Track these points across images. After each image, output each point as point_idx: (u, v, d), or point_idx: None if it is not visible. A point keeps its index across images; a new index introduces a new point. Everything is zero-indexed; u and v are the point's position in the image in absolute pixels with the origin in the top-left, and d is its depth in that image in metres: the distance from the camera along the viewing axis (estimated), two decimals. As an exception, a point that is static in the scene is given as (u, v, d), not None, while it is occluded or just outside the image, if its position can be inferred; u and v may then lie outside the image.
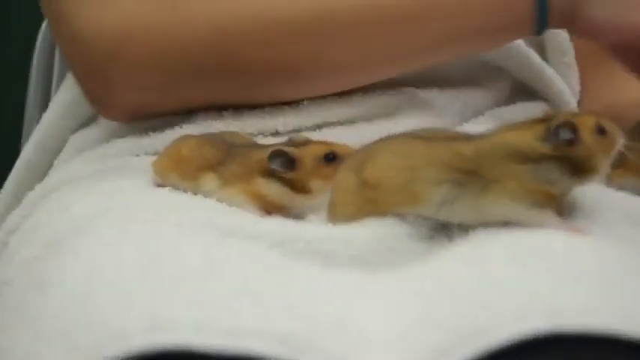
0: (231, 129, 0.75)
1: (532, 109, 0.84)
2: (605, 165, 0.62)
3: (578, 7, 0.73)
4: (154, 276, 0.52)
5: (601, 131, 0.62)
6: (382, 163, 0.63)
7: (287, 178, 0.66)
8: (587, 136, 0.61)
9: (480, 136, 0.63)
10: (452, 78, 0.83)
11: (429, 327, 0.50)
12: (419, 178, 0.62)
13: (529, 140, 0.61)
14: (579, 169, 0.61)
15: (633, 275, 0.53)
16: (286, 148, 0.65)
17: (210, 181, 0.68)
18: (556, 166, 0.61)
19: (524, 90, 0.88)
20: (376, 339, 0.50)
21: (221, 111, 0.78)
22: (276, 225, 0.61)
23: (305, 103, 0.78)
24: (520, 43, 0.85)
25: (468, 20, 0.75)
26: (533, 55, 0.86)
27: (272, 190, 0.66)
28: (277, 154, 0.65)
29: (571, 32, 0.78)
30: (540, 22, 0.74)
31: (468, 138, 0.63)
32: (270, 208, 0.66)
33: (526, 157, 0.60)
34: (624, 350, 0.48)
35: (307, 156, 0.66)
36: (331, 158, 0.66)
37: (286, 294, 0.52)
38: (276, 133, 0.77)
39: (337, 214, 0.64)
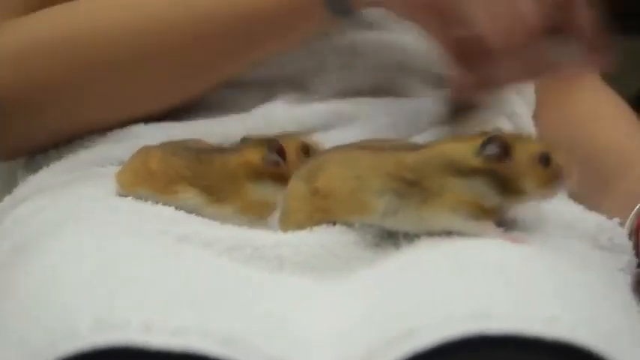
0: (188, 136, 0.77)
1: (490, 120, 0.87)
2: (536, 193, 0.63)
3: None
4: (106, 279, 0.56)
5: (545, 161, 0.63)
6: (332, 173, 0.66)
7: (277, 173, 0.68)
8: (521, 157, 0.63)
9: (424, 146, 0.65)
10: (408, 88, 0.84)
11: (365, 329, 0.53)
12: (365, 187, 0.64)
13: (464, 153, 0.63)
14: (507, 187, 0.63)
15: (561, 282, 0.56)
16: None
17: (193, 196, 0.69)
18: (485, 181, 0.63)
19: None
20: (314, 340, 0.54)
21: (179, 118, 0.81)
22: (227, 232, 0.65)
23: (261, 111, 0.80)
24: None
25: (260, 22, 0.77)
26: None
27: (266, 191, 0.69)
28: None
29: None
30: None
31: (413, 148, 0.66)
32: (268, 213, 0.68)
33: (459, 170, 0.63)
34: (546, 352, 0.51)
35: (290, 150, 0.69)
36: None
37: (230, 296, 0.56)
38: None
39: (289, 222, 0.67)
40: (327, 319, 0.55)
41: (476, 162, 0.63)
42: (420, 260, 0.59)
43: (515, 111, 0.88)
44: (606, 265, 0.68)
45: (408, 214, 0.63)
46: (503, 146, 0.63)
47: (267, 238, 0.64)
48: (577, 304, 0.54)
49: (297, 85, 0.82)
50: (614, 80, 0.94)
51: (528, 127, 0.88)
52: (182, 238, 0.63)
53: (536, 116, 0.93)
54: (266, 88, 0.82)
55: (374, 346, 0.52)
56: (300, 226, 0.66)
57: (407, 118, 0.82)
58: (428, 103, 0.84)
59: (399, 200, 0.63)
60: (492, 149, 0.62)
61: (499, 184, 0.63)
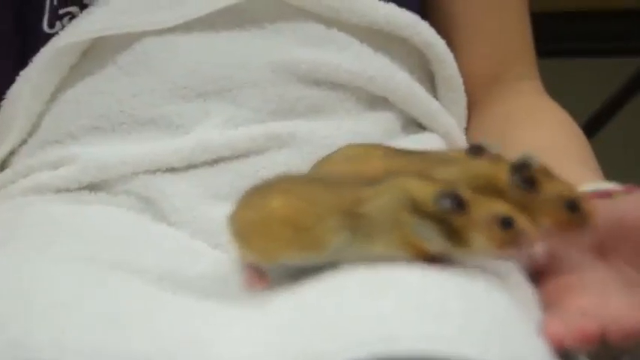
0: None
1: (425, 140, 0.88)
2: (486, 252, 0.62)
3: None
4: (23, 305, 0.57)
5: (505, 224, 0.62)
6: (287, 204, 0.65)
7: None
8: (479, 214, 0.62)
9: (385, 178, 0.65)
10: (340, 109, 0.85)
11: (277, 352, 0.55)
12: (321, 223, 0.64)
13: (424, 194, 0.63)
14: (458, 238, 0.62)
15: (473, 306, 0.57)
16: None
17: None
18: (437, 227, 0.62)
19: (417, 122, 0.90)
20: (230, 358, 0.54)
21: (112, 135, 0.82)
22: (156, 261, 0.66)
23: (199, 134, 0.80)
24: (405, 76, 0.87)
25: None
26: (419, 90, 0.88)
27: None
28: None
29: None
30: None
31: (370, 182, 0.65)
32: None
33: (416, 209, 0.63)
34: None
35: None
36: None
37: (148, 320, 0.57)
38: (172, 170, 0.80)
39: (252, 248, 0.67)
40: (242, 343, 0.56)
41: (432, 208, 0.62)
42: (338, 285, 0.60)
43: (449, 131, 0.89)
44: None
45: (356, 249, 0.63)
46: (457, 201, 0.62)
47: (193, 267, 0.66)
48: (488, 326, 0.56)
49: (231, 101, 0.83)
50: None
51: (460, 141, 0.89)
52: (110, 266, 0.64)
53: (469, 117, 0.95)
54: (199, 104, 0.82)
55: None
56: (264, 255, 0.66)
57: (344, 139, 0.82)
58: (363, 123, 0.85)
59: (352, 236, 0.63)
60: (445, 204, 0.62)
61: (450, 233, 0.62)
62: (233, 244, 0.68)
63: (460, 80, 0.92)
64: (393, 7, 0.88)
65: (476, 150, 0.69)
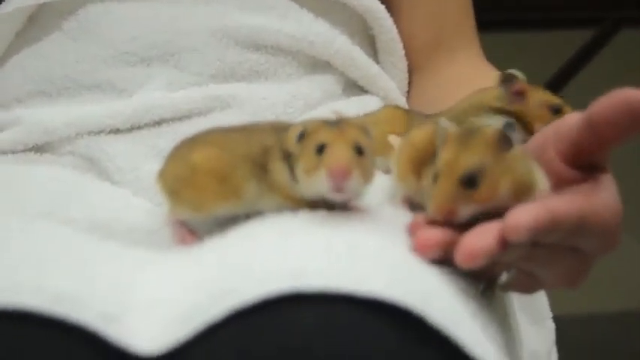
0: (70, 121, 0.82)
1: (366, 102, 0.90)
2: (303, 181, 0.62)
3: None
4: None
5: (319, 150, 0.61)
6: (209, 155, 0.68)
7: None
8: (306, 140, 0.62)
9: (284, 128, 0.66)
10: (281, 72, 0.87)
11: (194, 289, 0.58)
12: (236, 173, 0.66)
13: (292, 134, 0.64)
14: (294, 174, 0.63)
15: (378, 246, 0.60)
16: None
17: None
18: (288, 166, 0.64)
19: (358, 85, 0.93)
20: (146, 301, 0.58)
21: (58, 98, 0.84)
22: (89, 214, 0.71)
23: (141, 96, 0.83)
24: (345, 41, 0.89)
25: None
26: (359, 53, 0.90)
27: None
28: None
29: None
30: None
31: (279, 129, 0.67)
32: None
33: (286, 154, 0.64)
34: (361, 309, 0.56)
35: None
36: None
37: (68, 261, 0.60)
38: (116, 131, 0.82)
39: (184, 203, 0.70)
40: (162, 284, 0.59)
41: (292, 146, 0.63)
42: (254, 230, 0.63)
43: (388, 94, 0.92)
44: None
45: (267, 199, 0.66)
46: (301, 134, 0.63)
47: (128, 221, 0.70)
48: (392, 265, 0.58)
49: (173, 66, 0.85)
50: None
51: (399, 104, 0.91)
52: (43, 216, 0.68)
53: (410, 82, 0.97)
54: (142, 68, 0.85)
55: (197, 305, 0.56)
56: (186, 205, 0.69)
57: (283, 102, 0.85)
58: (303, 85, 0.88)
59: (259, 186, 0.65)
60: (298, 131, 0.63)
61: (293, 170, 0.63)
62: (163, 199, 0.70)
63: (400, 45, 0.95)
64: None
65: (508, 78, 0.76)
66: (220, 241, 0.63)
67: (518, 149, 0.62)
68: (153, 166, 0.78)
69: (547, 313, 0.95)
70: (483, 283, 0.66)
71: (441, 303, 0.57)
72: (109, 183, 0.80)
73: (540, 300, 0.95)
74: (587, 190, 0.63)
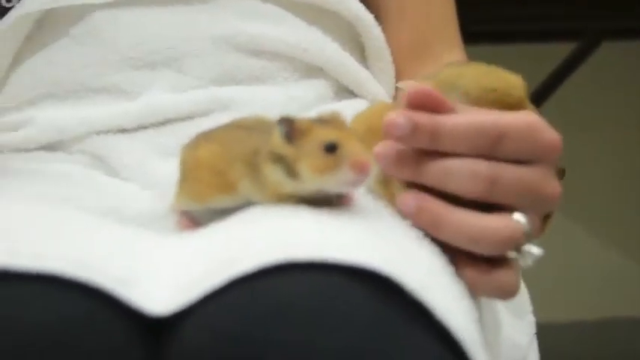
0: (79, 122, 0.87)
1: (356, 105, 0.94)
2: (312, 179, 0.65)
3: None
4: None
5: (330, 149, 0.65)
6: (210, 151, 0.72)
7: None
8: (306, 142, 0.65)
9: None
10: (277, 77, 0.93)
11: (201, 259, 0.65)
12: (232, 170, 0.70)
13: (276, 139, 0.66)
14: (294, 173, 0.66)
15: (363, 222, 0.67)
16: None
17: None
18: (282, 168, 0.67)
19: (349, 89, 0.97)
20: (156, 268, 0.65)
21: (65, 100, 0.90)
22: (99, 203, 0.78)
23: (147, 99, 0.88)
24: (337, 48, 0.95)
25: None
26: (349, 60, 0.95)
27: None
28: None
29: None
30: None
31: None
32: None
33: (274, 156, 0.67)
34: (341, 273, 0.63)
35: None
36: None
37: (90, 235, 0.68)
38: (123, 131, 0.88)
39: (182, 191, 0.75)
40: (173, 255, 0.67)
41: (280, 147, 0.66)
42: (251, 215, 0.69)
43: (377, 98, 0.97)
44: None
45: (259, 195, 0.70)
46: (290, 127, 0.65)
47: (136, 207, 0.78)
48: (375, 237, 0.66)
49: (176, 70, 0.90)
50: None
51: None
52: (59, 202, 0.75)
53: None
54: (147, 72, 0.90)
55: (204, 272, 0.63)
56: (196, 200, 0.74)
57: (279, 104, 0.91)
58: (298, 89, 0.93)
59: (251, 183, 0.69)
60: (281, 129, 0.66)
61: (289, 170, 0.66)
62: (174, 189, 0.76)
63: (388, 51, 1.00)
64: None
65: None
66: (224, 223, 0.70)
67: None
68: (158, 162, 0.84)
69: (528, 307, 0.99)
70: None
71: (417, 274, 0.64)
72: (117, 179, 0.86)
73: (521, 294, 1.00)
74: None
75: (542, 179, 0.70)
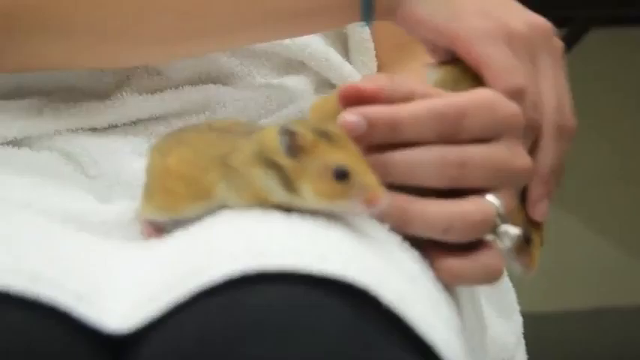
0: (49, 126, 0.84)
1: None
2: (316, 202, 0.62)
3: (401, 2, 0.79)
4: None
5: (340, 176, 0.61)
6: (180, 159, 0.68)
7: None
8: (314, 162, 0.62)
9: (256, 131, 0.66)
10: (255, 74, 0.90)
11: (163, 270, 0.61)
12: (206, 175, 0.66)
13: (274, 142, 0.63)
14: (292, 187, 0.63)
15: (335, 228, 0.63)
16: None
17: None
18: (277, 176, 0.63)
19: (331, 84, 0.94)
20: (118, 281, 0.62)
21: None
22: (63, 205, 0.74)
23: (119, 99, 0.85)
24: (319, 41, 0.92)
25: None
26: (332, 54, 0.93)
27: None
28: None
29: (392, 22, 0.82)
30: (365, 9, 0.79)
31: (250, 132, 0.66)
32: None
33: (265, 160, 0.63)
34: (312, 284, 0.59)
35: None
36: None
37: (45, 246, 0.64)
38: (94, 130, 0.85)
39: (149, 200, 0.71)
40: (132, 267, 0.63)
41: (277, 155, 0.63)
42: (217, 220, 0.66)
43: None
44: None
45: (235, 200, 0.66)
46: (293, 142, 0.62)
47: (101, 215, 0.73)
48: (350, 247, 0.62)
49: (151, 70, 0.87)
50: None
51: None
52: (20, 205, 0.71)
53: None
54: (118, 72, 0.87)
55: (166, 284, 0.60)
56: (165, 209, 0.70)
57: (256, 103, 0.88)
58: (277, 86, 0.90)
59: (227, 187, 0.66)
60: (283, 141, 0.62)
61: (288, 183, 0.63)
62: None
63: (371, 45, 0.97)
64: None
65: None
66: (187, 230, 0.66)
67: None
68: (128, 161, 0.81)
69: (515, 307, 0.97)
70: None
71: (395, 284, 0.60)
72: (84, 177, 0.82)
73: (508, 294, 0.97)
74: None
75: (510, 154, 0.68)
